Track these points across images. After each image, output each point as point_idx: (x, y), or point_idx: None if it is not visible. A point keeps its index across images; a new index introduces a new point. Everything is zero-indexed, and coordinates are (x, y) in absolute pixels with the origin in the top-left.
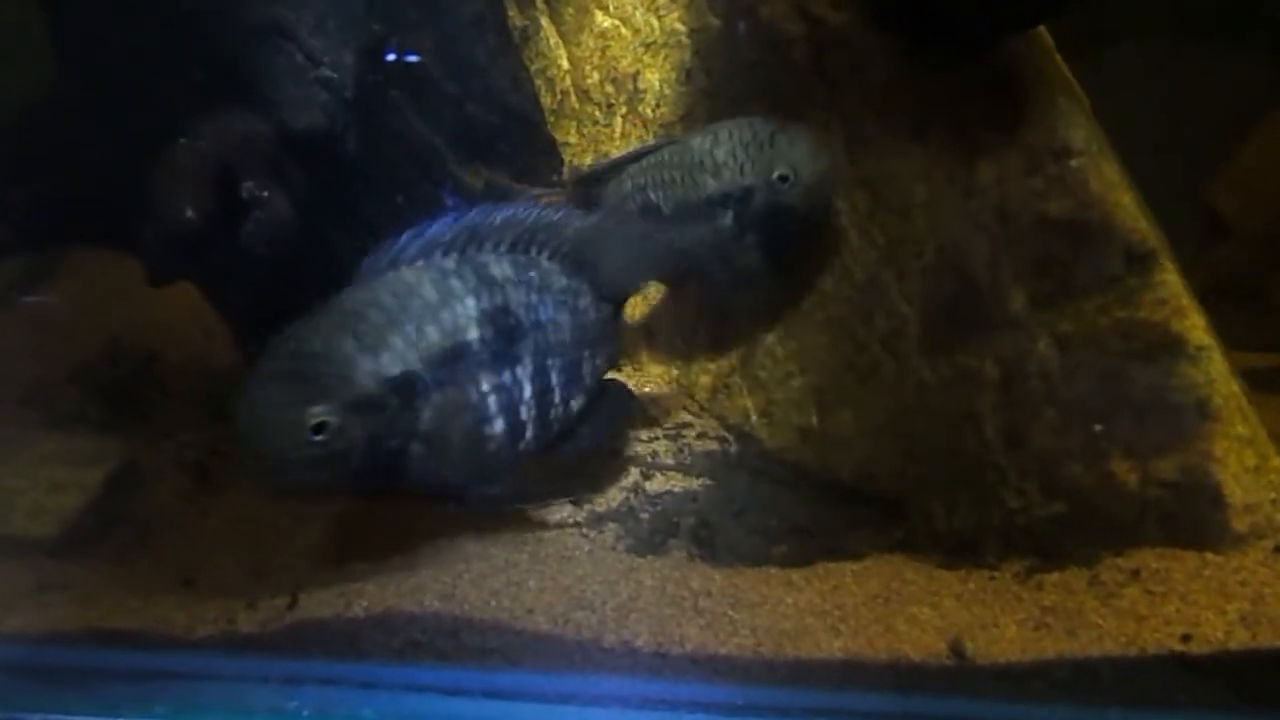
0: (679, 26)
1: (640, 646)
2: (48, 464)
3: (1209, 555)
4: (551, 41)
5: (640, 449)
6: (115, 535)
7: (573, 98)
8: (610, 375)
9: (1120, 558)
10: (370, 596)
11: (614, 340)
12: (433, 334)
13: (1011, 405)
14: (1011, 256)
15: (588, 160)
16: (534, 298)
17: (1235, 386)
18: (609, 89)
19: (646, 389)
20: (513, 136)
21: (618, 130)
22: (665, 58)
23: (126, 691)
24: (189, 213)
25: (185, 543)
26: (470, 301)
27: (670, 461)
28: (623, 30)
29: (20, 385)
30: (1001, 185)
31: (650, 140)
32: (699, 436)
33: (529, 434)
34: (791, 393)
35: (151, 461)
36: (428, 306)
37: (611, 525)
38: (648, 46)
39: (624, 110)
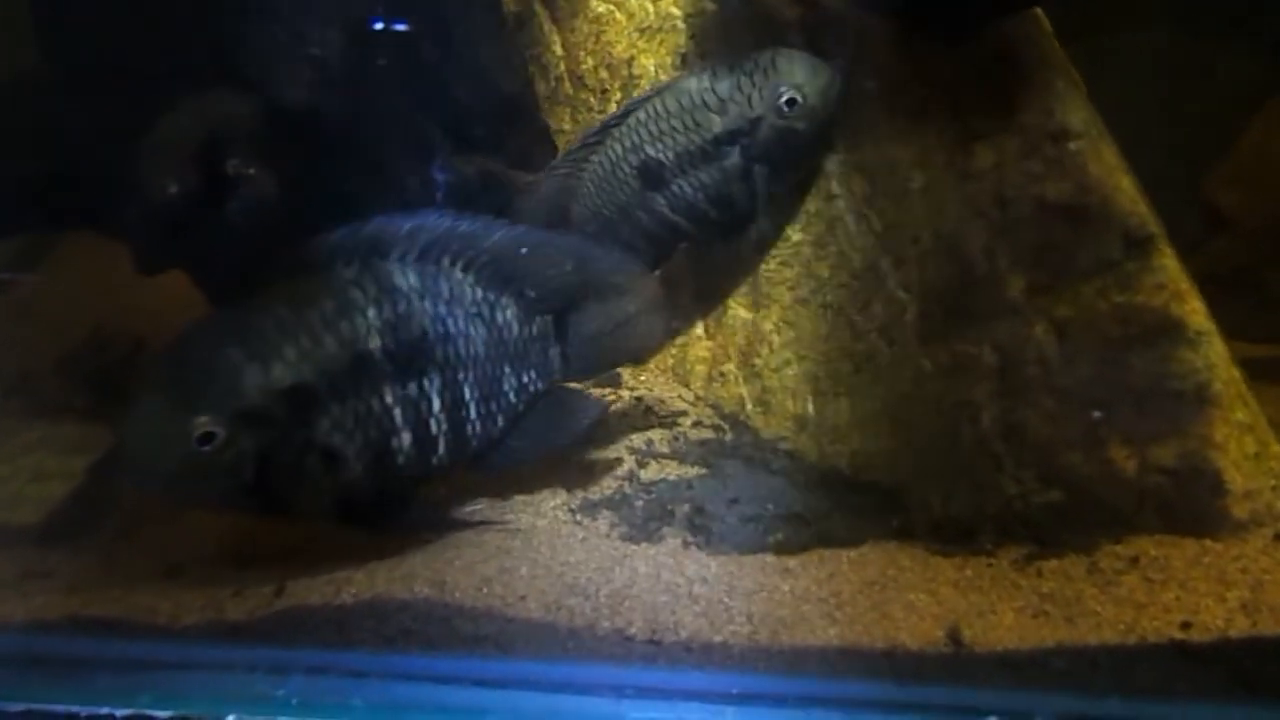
0: (674, 11)
1: (634, 634)
2: (31, 452)
3: (1208, 543)
4: (545, 27)
5: (635, 437)
6: (100, 523)
7: (566, 84)
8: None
9: (1119, 545)
10: (359, 584)
11: (551, 353)
12: (330, 344)
13: (1009, 393)
14: (1009, 242)
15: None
16: (443, 309)
17: (1235, 372)
18: (603, 75)
19: (641, 378)
20: (505, 123)
21: None
22: (660, 43)
23: (110, 681)
24: (172, 189)
25: (172, 530)
26: (371, 312)
27: (665, 449)
28: (617, 15)
29: (4, 373)
30: (999, 169)
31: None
32: (694, 425)
33: (440, 449)
34: (787, 381)
35: None
36: (324, 316)
37: (605, 512)
38: (642, 31)
39: (618, 96)
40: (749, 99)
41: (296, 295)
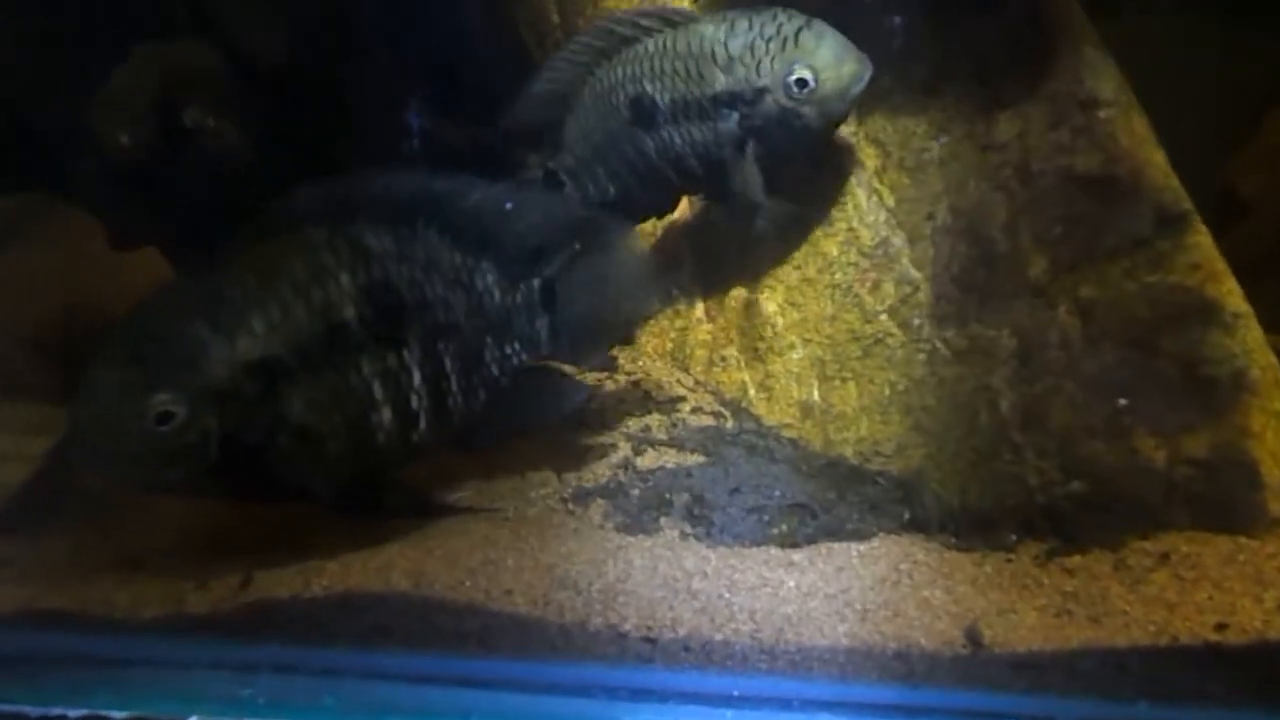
0: None
1: (629, 631)
2: None
3: (1243, 539)
4: None
5: (631, 423)
6: (59, 510)
7: None
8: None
9: (1147, 541)
10: (332, 575)
11: (538, 324)
12: (300, 314)
13: (1029, 378)
14: (1032, 217)
15: None
16: (420, 274)
17: (1273, 358)
18: None
19: (638, 362)
20: (501, 92)
21: None
22: None
23: (64, 679)
24: (124, 139)
25: (136, 518)
26: (344, 278)
27: (663, 436)
28: None
29: None
30: (1023, 140)
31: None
32: (693, 411)
33: (421, 425)
34: (791, 365)
35: None
36: (294, 283)
37: (599, 501)
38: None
39: None
40: (758, 65)
41: (263, 261)
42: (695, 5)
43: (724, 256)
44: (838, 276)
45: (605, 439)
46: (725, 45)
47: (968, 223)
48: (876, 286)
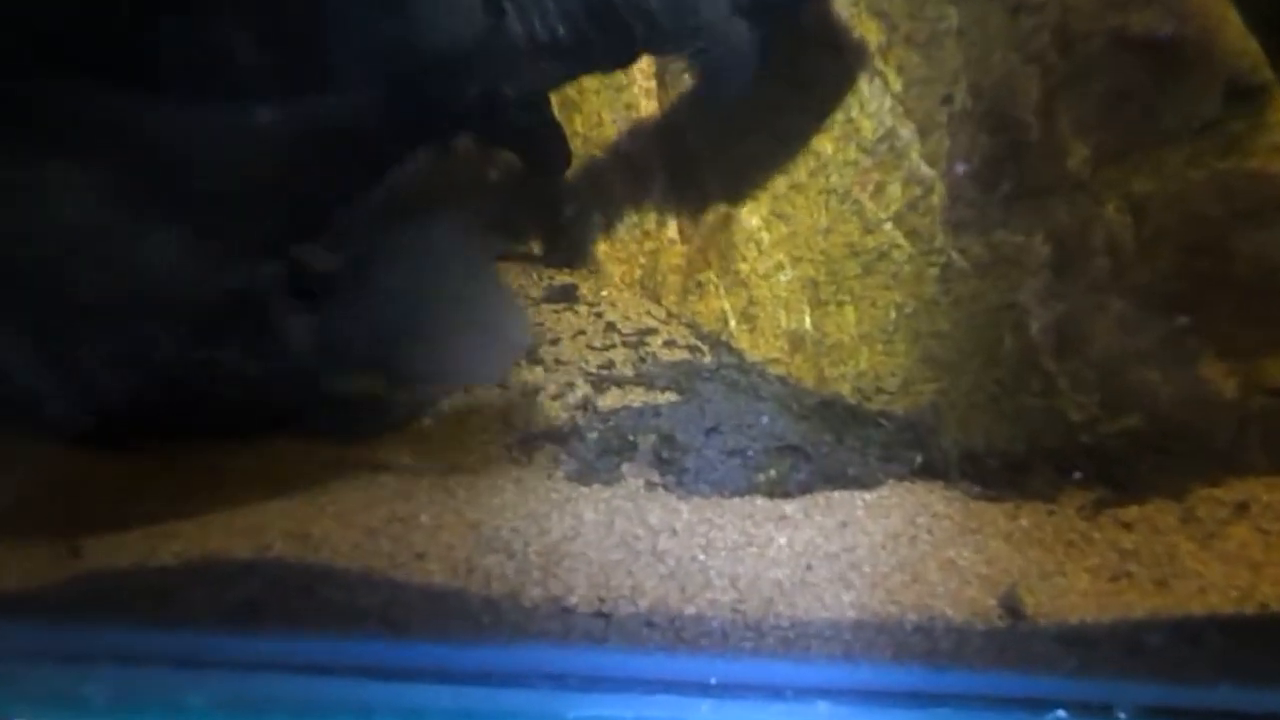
0: None
1: (576, 604)
2: None
3: None
4: None
5: (592, 358)
6: None
7: None
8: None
9: (1218, 488)
10: (187, 537)
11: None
12: None
13: (1066, 293)
14: (1072, 95)
15: None
16: None
17: None
18: None
19: (603, 293)
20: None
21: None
22: None
23: None
24: None
25: None
26: None
27: (629, 373)
28: None
29: None
30: None
31: None
32: (666, 345)
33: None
34: (779, 289)
35: None
36: None
37: (549, 446)
38: None
39: None
40: None
41: None
42: None
43: (699, 163)
44: (833, 180)
45: (561, 377)
46: None
47: (992, 105)
48: (880, 189)
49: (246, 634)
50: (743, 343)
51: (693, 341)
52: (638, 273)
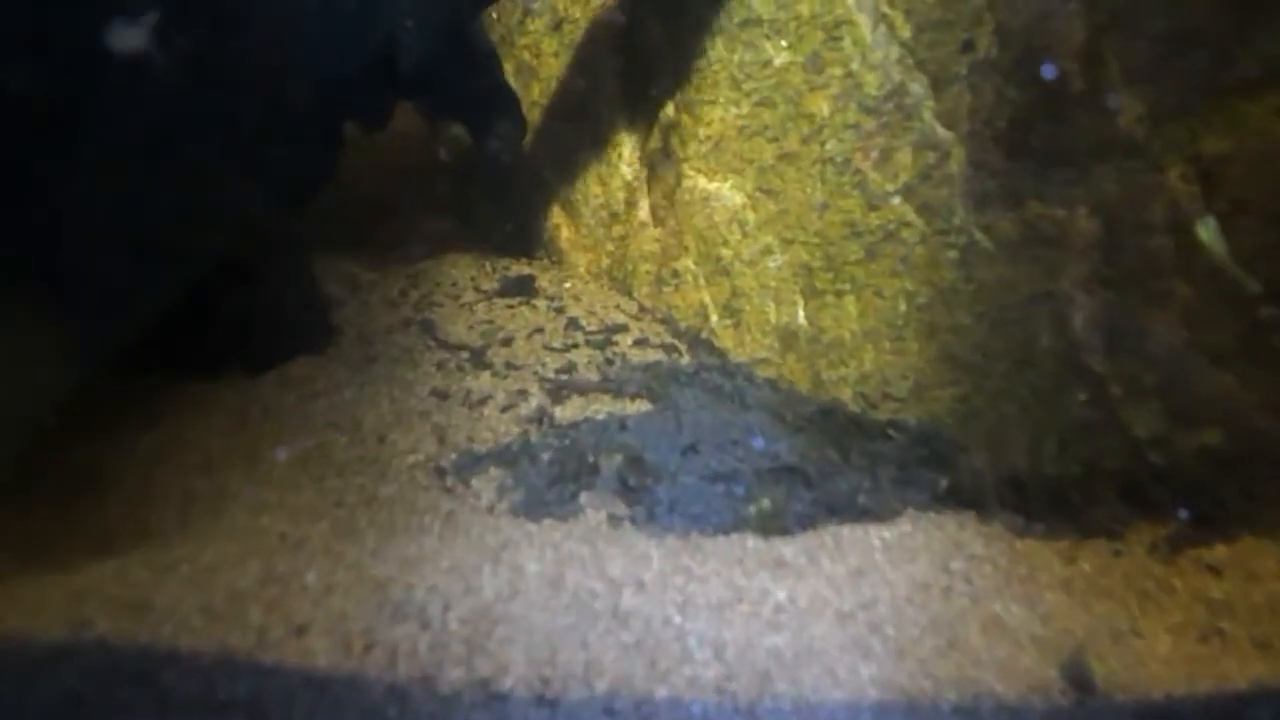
0: None
1: (510, 688)
2: None
3: None
4: None
5: (549, 360)
6: None
7: None
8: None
9: None
10: None
11: None
12: None
13: (1118, 280)
14: (1123, 35)
15: None
16: None
17: None
18: None
19: (566, 285)
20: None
21: None
22: None
23: None
24: None
25: None
26: None
27: (592, 377)
28: None
29: None
30: None
31: None
32: (636, 344)
33: None
34: (767, 277)
35: None
36: None
37: (493, 471)
38: None
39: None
40: None
41: None
42: None
43: (672, 131)
44: (829, 146)
45: (512, 384)
46: None
47: (1024, 52)
48: (886, 157)
49: None
50: (726, 341)
51: (668, 340)
52: (605, 261)
